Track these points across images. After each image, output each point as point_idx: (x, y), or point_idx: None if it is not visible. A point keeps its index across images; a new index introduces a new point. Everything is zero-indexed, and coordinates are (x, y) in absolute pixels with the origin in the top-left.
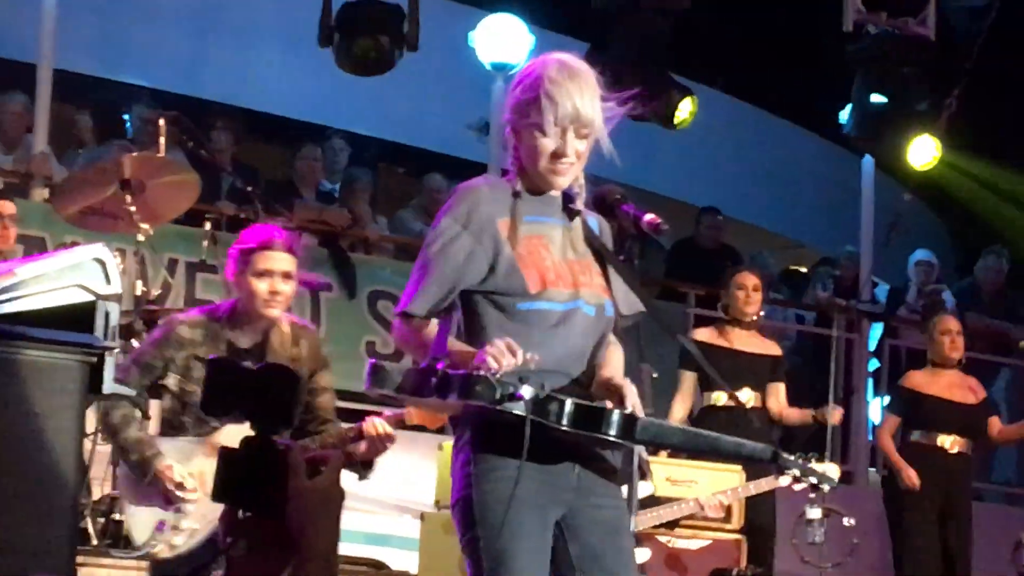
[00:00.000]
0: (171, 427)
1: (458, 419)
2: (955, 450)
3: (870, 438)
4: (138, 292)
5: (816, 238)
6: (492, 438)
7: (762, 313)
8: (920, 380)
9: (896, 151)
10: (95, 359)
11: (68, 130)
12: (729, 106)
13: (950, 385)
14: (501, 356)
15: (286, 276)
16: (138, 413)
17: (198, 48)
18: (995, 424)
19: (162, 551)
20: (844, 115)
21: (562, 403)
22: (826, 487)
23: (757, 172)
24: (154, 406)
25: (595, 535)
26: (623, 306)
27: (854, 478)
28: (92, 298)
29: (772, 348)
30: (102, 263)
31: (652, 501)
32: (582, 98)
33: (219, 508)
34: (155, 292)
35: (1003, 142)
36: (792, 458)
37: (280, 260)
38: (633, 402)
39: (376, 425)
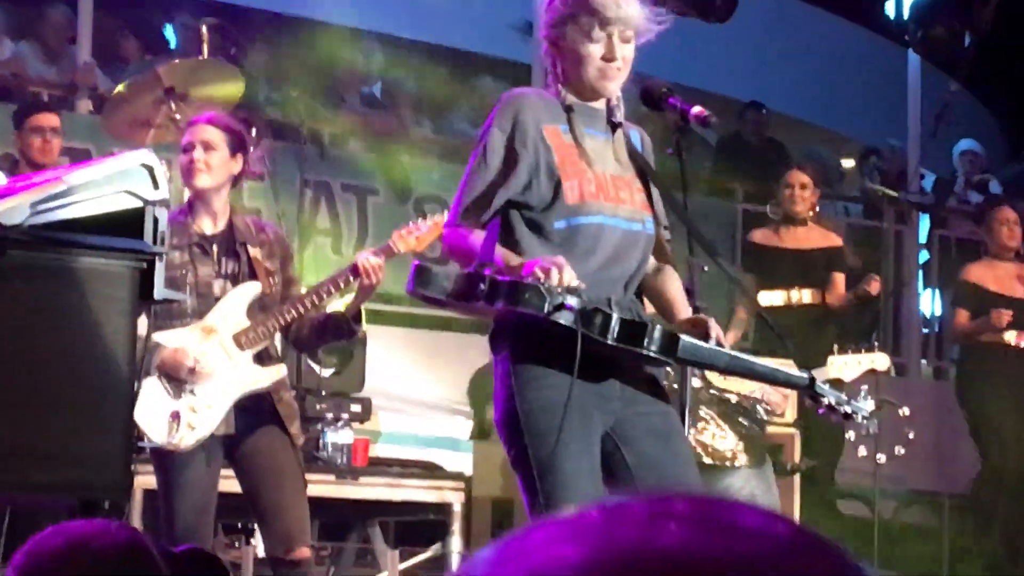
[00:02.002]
0: (170, 313)
1: (495, 332)
2: (1022, 344)
3: (923, 330)
4: (185, 199)
5: (862, 131)
6: (532, 349)
7: (817, 208)
8: (980, 273)
9: (940, 41)
10: (145, 265)
11: (111, 43)
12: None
13: (1009, 278)
14: (551, 269)
15: (206, 146)
16: None
17: None
18: None
19: (184, 439)
20: (890, 6)
21: (608, 316)
22: (859, 417)
23: (802, 65)
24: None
25: (649, 443)
26: (661, 220)
27: (907, 370)
28: (140, 204)
29: (831, 239)
30: (149, 168)
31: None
32: (626, 1)
33: (230, 384)
34: None
35: None
36: (827, 387)
37: (198, 131)
38: (718, 334)
39: (369, 258)
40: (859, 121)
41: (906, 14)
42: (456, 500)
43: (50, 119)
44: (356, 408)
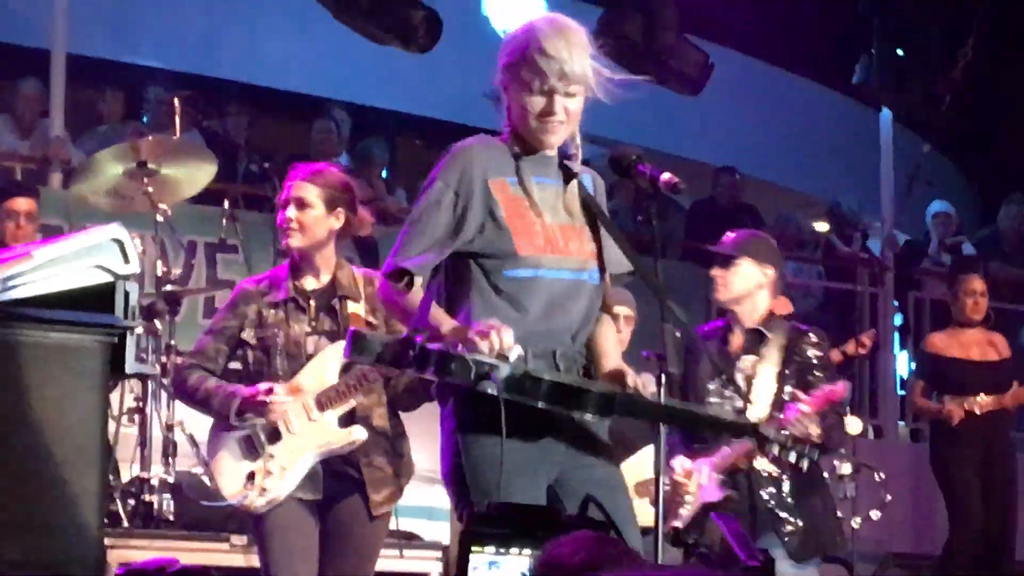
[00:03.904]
0: (262, 378)
1: (441, 386)
2: (987, 409)
3: (899, 392)
4: (159, 273)
5: (836, 193)
6: (475, 407)
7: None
8: (942, 342)
9: (913, 102)
10: (116, 339)
11: (84, 114)
12: (743, 64)
13: (972, 343)
14: (490, 334)
15: (299, 204)
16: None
17: (210, 27)
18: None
19: (255, 501)
20: (857, 67)
21: (538, 381)
22: (805, 464)
23: (774, 129)
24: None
25: (591, 492)
26: (612, 266)
27: (884, 432)
28: (111, 278)
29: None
30: (120, 243)
31: None
32: (570, 56)
33: (307, 446)
34: (176, 272)
35: (1020, 86)
36: (772, 432)
37: (293, 188)
38: (634, 381)
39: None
40: (833, 184)
41: (875, 75)
42: (434, 570)
43: (26, 203)
44: None
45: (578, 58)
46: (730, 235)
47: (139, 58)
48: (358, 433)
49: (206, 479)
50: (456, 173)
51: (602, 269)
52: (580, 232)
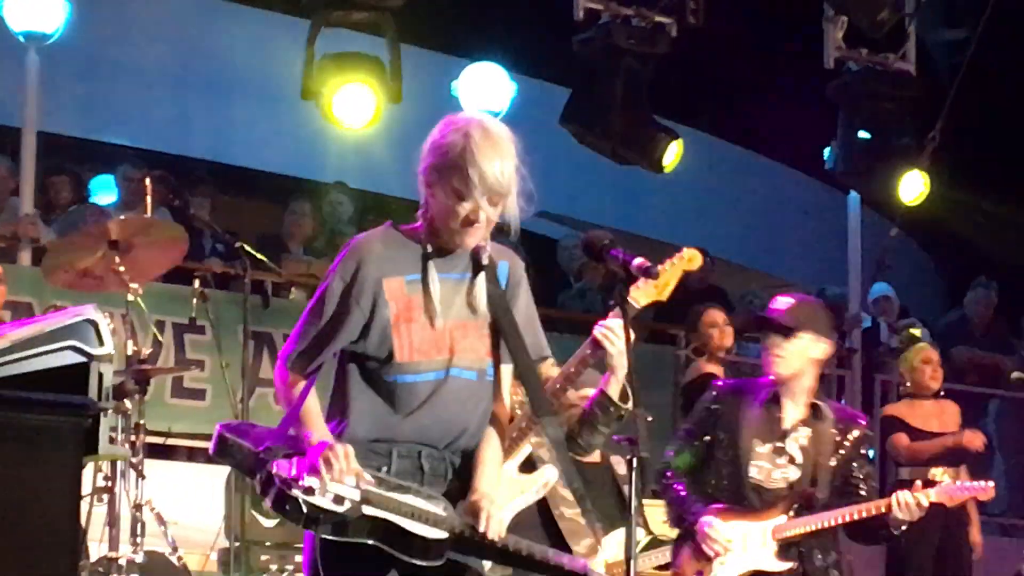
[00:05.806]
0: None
1: None
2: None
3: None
4: (129, 352)
5: (805, 276)
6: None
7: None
8: (902, 411)
9: (881, 186)
10: (90, 420)
11: (50, 191)
12: (714, 147)
13: (929, 415)
14: (333, 464)
15: None
16: None
17: (181, 106)
18: None
19: None
20: (828, 152)
21: (373, 525)
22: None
23: (744, 212)
24: None
25: None
26: (532, 351)
27: None
28: (85, 359)
29: None
30: (94, 324)
31: (654, 543)
32: (501, 167)
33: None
34: (146, 351)
35: (986, 172)
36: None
37: None
38: (485, 525)
39: (604, 323)
40: (802, 266)
41: (843, 159)
42: None
43: None
44: (300, 559)
45: (507, 171)
46: (786, 300)
47: (110, 137)
48: (549, 473)
49: (174, 559)
50: (351, 270)
51: (497, 364)
52: (478, 328)
